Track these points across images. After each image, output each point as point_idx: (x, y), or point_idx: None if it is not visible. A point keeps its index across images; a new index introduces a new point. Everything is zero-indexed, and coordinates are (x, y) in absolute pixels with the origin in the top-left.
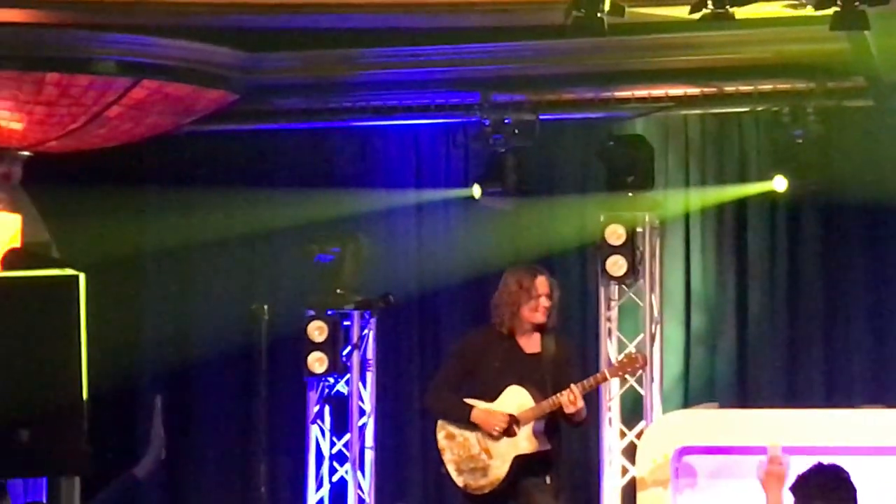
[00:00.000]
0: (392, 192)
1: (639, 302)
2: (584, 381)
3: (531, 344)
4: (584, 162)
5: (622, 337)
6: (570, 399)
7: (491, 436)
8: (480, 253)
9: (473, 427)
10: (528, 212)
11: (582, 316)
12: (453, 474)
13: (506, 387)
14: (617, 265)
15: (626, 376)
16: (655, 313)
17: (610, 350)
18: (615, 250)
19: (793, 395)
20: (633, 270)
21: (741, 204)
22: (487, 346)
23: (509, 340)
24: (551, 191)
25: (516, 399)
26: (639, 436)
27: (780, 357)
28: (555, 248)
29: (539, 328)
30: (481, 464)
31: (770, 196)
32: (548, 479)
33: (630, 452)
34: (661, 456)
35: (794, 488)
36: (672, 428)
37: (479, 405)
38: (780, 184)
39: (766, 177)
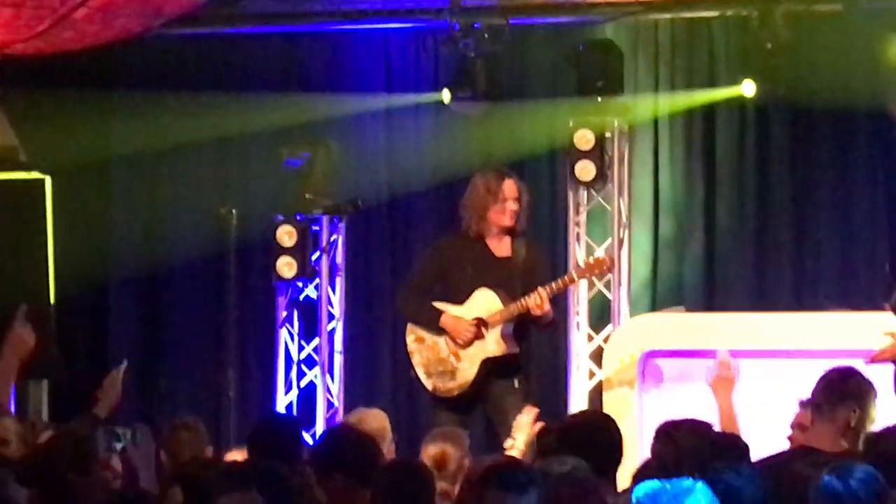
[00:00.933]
0: (362, 97)
1: (607, 207)
2: (552, 284)
3: (501, 248)
4: (554, 67)
5: (590, 241)
6: (537, 302)
7: (459, 342)
8: (450, 158)
9: (443, 331)
10: (498, 117)
11: (550, 221)
12: (422, 377)
13: (475, 290)
14: (585, 170)
15: (594, 279)
16: (624, 218)
17: (578, 254)
18: (584, 155)
19: (760, 299)
20: (602, 175)
21: (710, 109)
22: (458, 250)
23: (480, 244)
24: (521, 96)
25: (485, 302)
26: (606, 340)
27: (748, 261)
28: (524, 152)
29: (508, 232)
30: (450, 367)
31: (739, 101)
32: (516, 382)
33: (597, 356)
34: (628, 359)
35: None
36: (639, 331)
37: (448, 309)
38: (748, 89)
39: (735, 82)
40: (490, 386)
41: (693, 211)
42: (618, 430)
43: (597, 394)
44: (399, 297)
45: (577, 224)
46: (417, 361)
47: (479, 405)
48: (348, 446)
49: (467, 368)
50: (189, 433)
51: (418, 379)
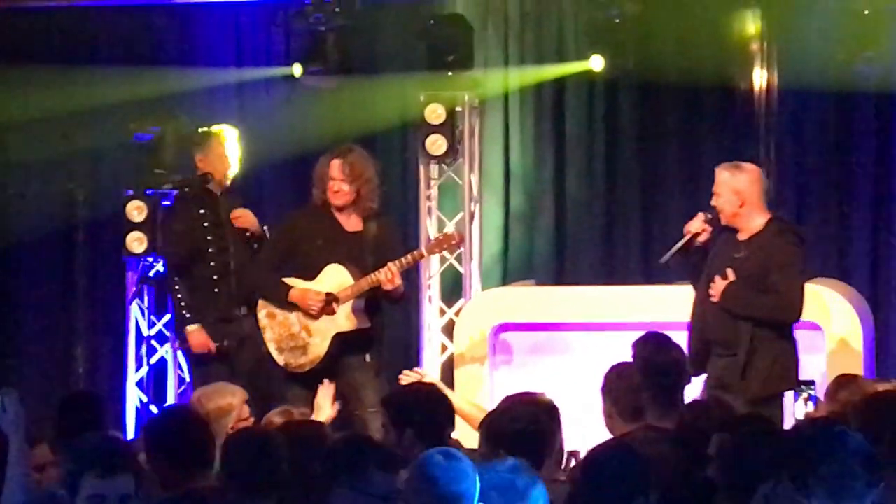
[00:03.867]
0: (213, 71)
1: (458, 181)
2: (402, 259)
3: (352, 222)
4: (405, 41)
5: (442, 216)
6: (388, 277)
7: (310, 314)
8: (302, 132)
9: (294, 306)
10: (350, 91)
11: (403, 194)
12: (274, 353)
13: (326, 265)
14: (436, 144)
15: (446, 254)
16: (475, 192)
17: (430, 228)
18: (435, 129)
19: (610, 273)
20: (453, 149)
21: (559, 83)
22: (309, 225)
23: (330, 218)
24: (372, 70)
25: (336, 277)
26: (458, 313)
27: (598, 235)
28: (375, 126)
29: (349, 209)
30: (301, 342)
31: (587, 75)
32: (368, 357)
33: (449, 330)
34: (479, 333)
35: None
36: (489, 305)
37: (298, 284)
38: (597, 63)
39: (583, 56)
40: (342, 361)
41: (543, 185)
42: (443, 400)
43: (448, 367)
44: (248, 274)
45: (429, 198)
46: (269, 337)
47: (332, 381)
48: (174, 429)
49: (318, 343)
50: None
51: (270, 355)
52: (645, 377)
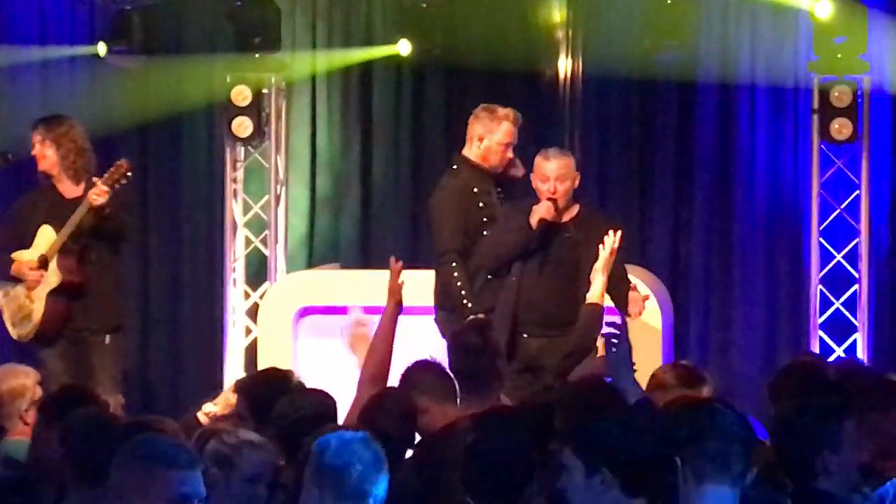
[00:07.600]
0: (15, 49)
1: (264, 163)
2: (106, 175)
3: (74, 190)
4: (212, 22)
5: (247, 198)
6: (98, 192)
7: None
8: (106, 112)
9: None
10: (155, 71)
11: (209, 177)
12: (11, 330)
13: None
14: (242, 126)
15: (251, 236)
16: (281, 175)
17: (236, 210)
18: (241, 111)
19: (415, 257)
20: (259, 132)
21: (367, 67)
22: (33, 205)
23: (51, 191)
24: (178, 50)
25: (44, 238)
26: (263, 296)
27: (404, 219)
28: (182, 108)
29: (68, 174)
30: (27, 310)
31: (395, 60)
32: (107, 339)
33: (254, 313)
34: (284, 316)
35: None
36: (294, 288)
37: (22, 256)
38: (404, 48)
39: (391, 41)
40: (80, 339)
41: (350, 168)
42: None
43: (252, 351)
44: None
45: (235, 180)
46: (7, 317)
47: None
48: None
49: (38, 307)
50: None
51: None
52: (457, 360)
